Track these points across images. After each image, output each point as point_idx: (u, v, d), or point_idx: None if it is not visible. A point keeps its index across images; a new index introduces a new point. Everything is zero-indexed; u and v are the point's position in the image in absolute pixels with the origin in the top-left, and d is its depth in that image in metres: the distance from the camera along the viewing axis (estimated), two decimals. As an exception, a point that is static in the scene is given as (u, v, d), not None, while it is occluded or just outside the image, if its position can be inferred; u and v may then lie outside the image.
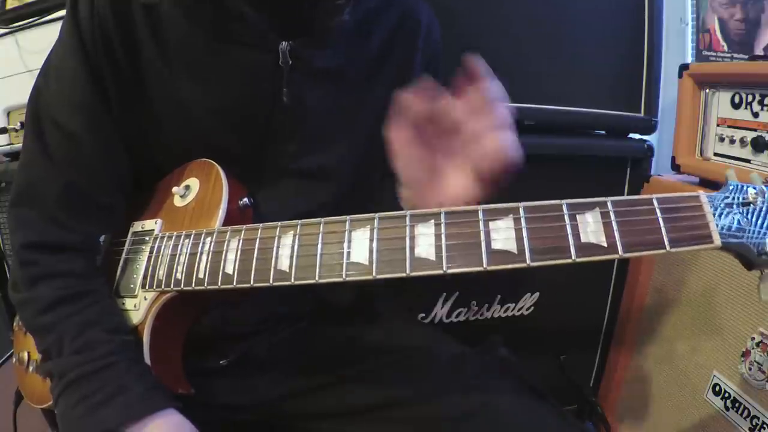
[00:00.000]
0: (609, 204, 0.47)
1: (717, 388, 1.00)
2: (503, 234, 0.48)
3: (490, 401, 0.72)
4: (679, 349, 1.10)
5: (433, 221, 0.50)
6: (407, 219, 0.51)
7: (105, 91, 0.68)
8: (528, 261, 0.47)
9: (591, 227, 0.46)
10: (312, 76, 0.71)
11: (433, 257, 0.49)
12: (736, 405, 0.96)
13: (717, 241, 0.45)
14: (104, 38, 0.65)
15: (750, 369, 0.93)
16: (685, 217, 0.46)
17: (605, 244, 0.46)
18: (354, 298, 0.85)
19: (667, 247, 0.45)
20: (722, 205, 0.46)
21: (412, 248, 0.50)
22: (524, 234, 0.47)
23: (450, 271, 0.48)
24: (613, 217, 0.46)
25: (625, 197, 0.47)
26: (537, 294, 1.24)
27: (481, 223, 0.49)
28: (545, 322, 1.26)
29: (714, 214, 0.45)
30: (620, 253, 0.45)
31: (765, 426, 0.91)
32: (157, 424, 0.58)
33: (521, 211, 0.48)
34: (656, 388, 1.16)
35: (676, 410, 1.10)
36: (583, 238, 0.46)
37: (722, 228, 0.45)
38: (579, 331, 1.32)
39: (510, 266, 0.47)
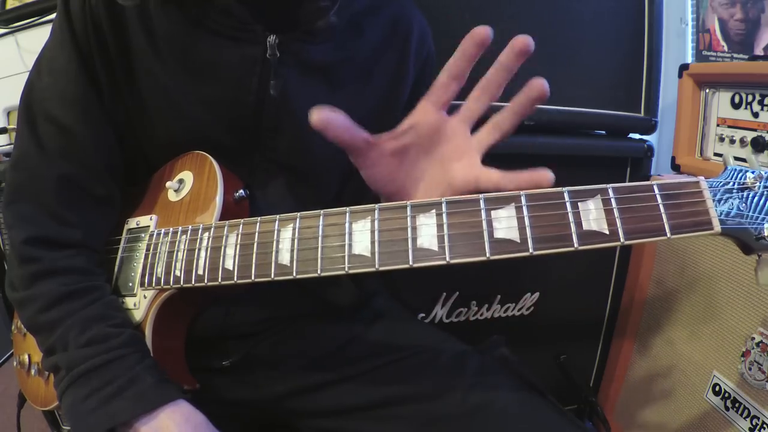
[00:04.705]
0: (610, 191, 0.47)
1: (717, 388, 1.00)
2: (505, 223, 0.48)
3: (491, 400, 0.72)
4: (679, 349, 1.10)
5: (434, 211, 0.50)
6: (408, 209, 0.51)
7: (97, 82, 0.68)
8: (530, 250, 0.47)
9: (593, 215, 0.46)
10: (301, 71, 0.71)
11: (435, 248, 0.49)
12: (736, 405, 0.96)
13: (717, 227, 0.45)
14: (96, 30, 0.66)
15: (750, 369, 0.93)
16: (685, 203, 0.45)
17: (607, 232, 0.46)
18: (355, 298, 0.85)
19: (668, 234, 0.45)
20: (721, 191, 0.46)
21: (414, 239, 0.50)
22: (526, 222, 0.47)
23: (453, 261, 0.48)
24: (614, 204, 0.46)
25: (626, 184, 0.47)
26: (537, 294, 1.24)
27: (482, 212, 0.48)
28: (545, 322, 1.26)
29: (713, 200, 0.45)
30: (621, 240, 0.45)
31: (765, 426, 0.91)
32: (169, 414, 0.58)
33: (523, 199, 0.48)
34: (656, 388, 1.16)
35: (676, 410, 1.10)
36: (585, 226, 0.46)
37: (721, 213, 0.45)
38: (579, 331, 1.32)
39: (512, 255, 0.47)
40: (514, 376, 0.77)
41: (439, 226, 0.49)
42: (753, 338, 0.93)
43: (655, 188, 0.46)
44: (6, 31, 1.19)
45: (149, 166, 0.76)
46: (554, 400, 0.75)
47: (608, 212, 0.46)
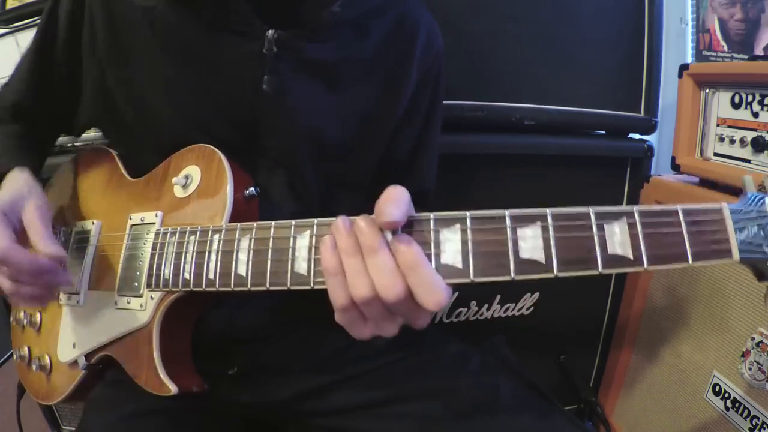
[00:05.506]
0: (636, 214, 0.45)
1: (717, 388, 1.00)
2: (531, 242, 0.45)
3: (491, 399, 0.72)
4: (679, 349, 1.10)
5: (458, 226, 0.47)
6: (431, 223, 0.48)
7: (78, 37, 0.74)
8: (555, 271, 0.45)
9: (618, 238, 0.44)
10: (299, 68, 0.70)
11: (460, 265, 0.47)
12: (736, 405, 0.96)
13: (736, 256, 0.44)
14: (91, 27, 0.71)
15: (750, 369, 0.93)
16: (707, 231, 0.44)
17: (631, 257, 0.44)
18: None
19: (690, 261, 0.43)
20: (742, 218, 0.45)
21: (437, 255, 0.47)
22: (552, 243, 0.45)
23: (478, 280, 0.46)
24: (639, 228, 0.44)
25: (651, 208, 0.45)
26: (537, 294, 1.24)
27: (508, 231, 0.46)
28: (545, 322, 1.26)
29: (734, 228, 0.44)
30: (645, 266, 0.44)
31: (765, 426, 0.91)
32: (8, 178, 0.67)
33: (549, 218, 0.46)
34: (656, 388, 1.16)
35: (676, 410, 1.10)
36: (610, 250, 0.44)
37: (740, 242, 0.44)
38: (579, 331, 1.32)
39: (537, 276, 0.45)
40: (514, 376, 0.78)
41: (464, 243, 0.47)
42: (753, 338, 0.93)
43: (680, 213, 0.44)
44: (6, 31, 1.19)
45: (148, 162, 0.75)
46: (554, 399, 0.75)
47: (633, 237, 0.44)
